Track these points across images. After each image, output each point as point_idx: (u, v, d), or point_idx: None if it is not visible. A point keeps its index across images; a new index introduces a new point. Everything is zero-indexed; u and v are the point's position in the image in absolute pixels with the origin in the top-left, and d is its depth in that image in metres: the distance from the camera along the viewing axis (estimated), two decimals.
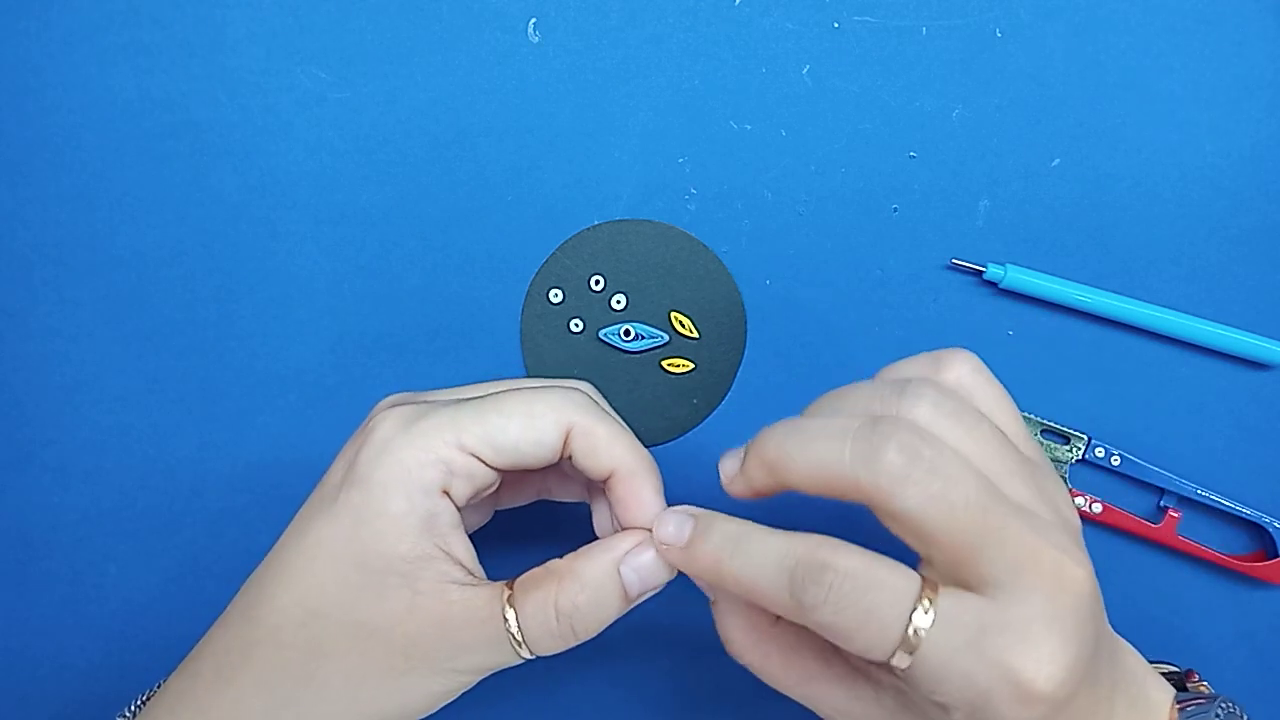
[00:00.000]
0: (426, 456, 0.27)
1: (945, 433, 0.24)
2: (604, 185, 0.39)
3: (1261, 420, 0.39)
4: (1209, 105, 0.38)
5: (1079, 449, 0.39)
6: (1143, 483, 0.39)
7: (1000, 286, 0.38)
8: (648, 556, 0.28)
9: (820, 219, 0.39)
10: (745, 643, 0.28)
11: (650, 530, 0.28)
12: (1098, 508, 0.39)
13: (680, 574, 0.28)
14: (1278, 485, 0.39)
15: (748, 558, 0.25)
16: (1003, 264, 0.38)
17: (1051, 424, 0.39)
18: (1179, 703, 0.29)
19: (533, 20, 0.38)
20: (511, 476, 0.30)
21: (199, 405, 0.39)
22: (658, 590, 0.28)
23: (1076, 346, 0.39)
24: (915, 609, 0.22)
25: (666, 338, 0.39)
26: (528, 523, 0.38)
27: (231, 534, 0.39)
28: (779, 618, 0.28)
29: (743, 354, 0.39)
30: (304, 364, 0.39)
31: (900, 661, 0.23)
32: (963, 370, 0.27)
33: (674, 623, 0.40)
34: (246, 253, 0.39)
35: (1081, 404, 0.39)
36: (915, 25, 0.38)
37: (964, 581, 0.23)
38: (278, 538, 0.39)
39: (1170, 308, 0.38)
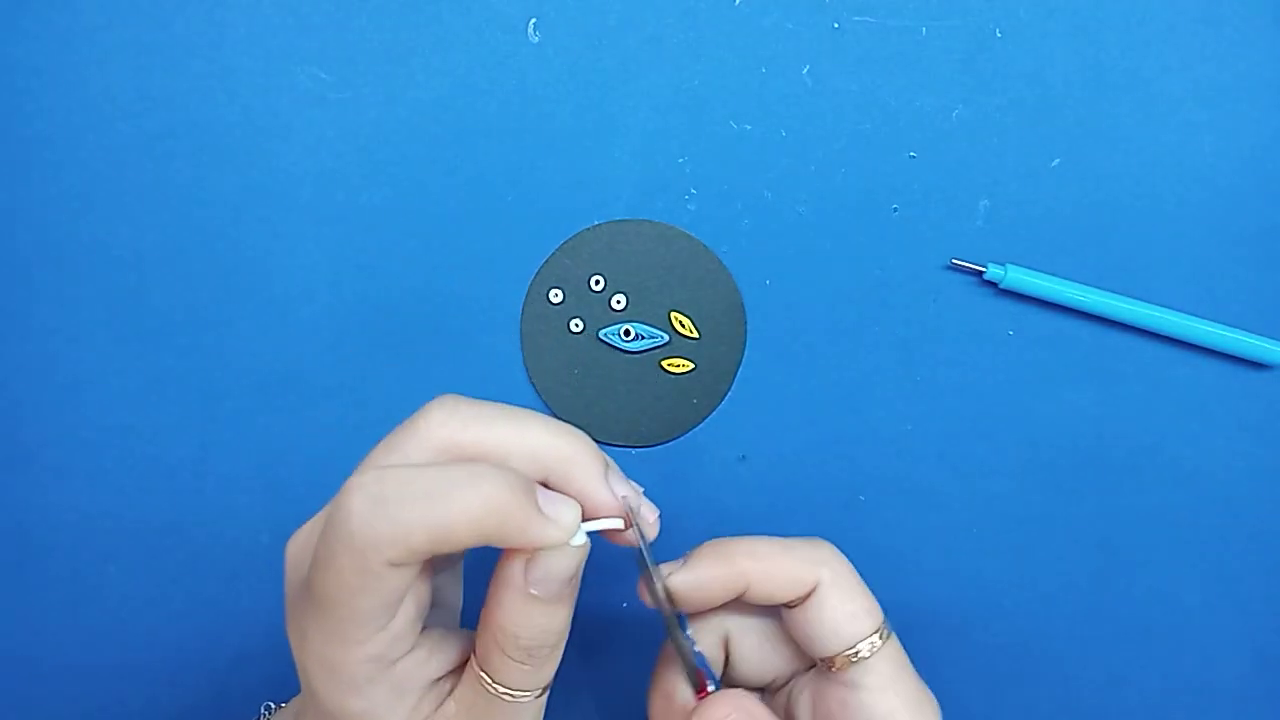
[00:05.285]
0: (346, 670, 0.24)
1: None
2: (604, 185, 0.39)
3: (1261, 420, 0.39)
4: (1209, 105, 0.38)
5: None
6: None
7: (1000, 287, 0.38)
8: (542, 565, 0.25)
9: (820, 219, 0.39)
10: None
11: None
12: None
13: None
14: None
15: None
16: (1003, 264, 0.38)
17: None
18: None
19: (532, 20, 0.38)
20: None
21: (199, 405, 0.39)
22: (582, 559, 0.26)
23: (1076, 346, 0.39)
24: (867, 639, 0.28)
25: (666, 338, 0.39)
26: None
27: (231, 534, 0.39)
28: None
29: (743, 354, 0.39)
30: (304, 364, 0.39)
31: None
32: None
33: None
34: (246, 253, 0.39)
35: (1081, 404, 0.39)
36: (915, 25, 0.38)
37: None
38: (277, 538, 0.39)
39: (1170, 308, 0.38)
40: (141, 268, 0.39)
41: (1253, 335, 0.38)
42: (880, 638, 0.29)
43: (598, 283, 0.39)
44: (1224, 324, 0.38)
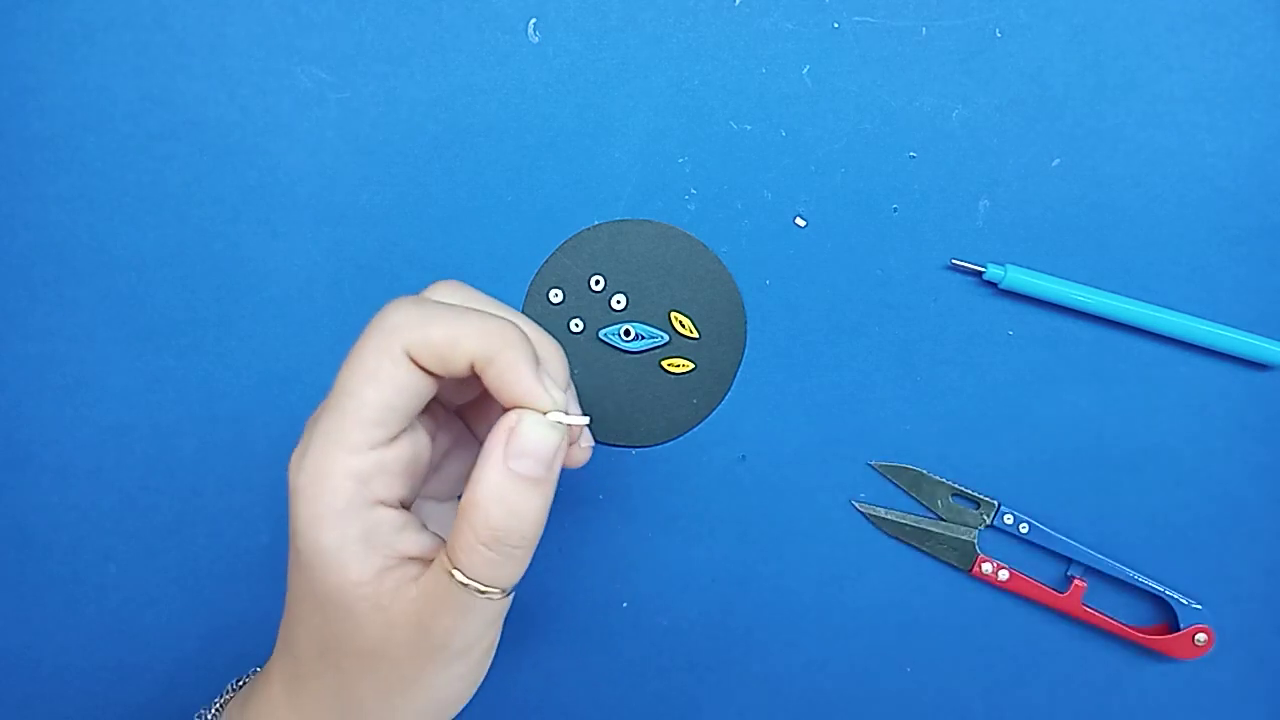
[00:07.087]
0: (330, 483, 0.25)
1: None
2: (604, 185, 0.39)
3: (1261, 420, 0.39)
4: (1209, 105, 0.38)
5: (988, 515, 0.39)
6: (1050, 551, 0.39)
7: (1000, 287, 0.38)
8: (526, 437, 0.26)
9: (820, 219, 0.39)
10: None
11: (521, 408, 0.26)
12: (1004, 575, 0.39)
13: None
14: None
15: None
16: (1003, 264, 0.38)
17: (962, 489, 0.39)
18: None
19: (533, 20, 0.38)
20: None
21: (199, 405, 0.39)
22: (563, 448, 0.26)
23: (1076, 346, 0.39)
24: None
25: (666, 338, 0.39)
26: None
27: (231, 534, 0.39)
28: None
29: (743, 354, 0.39)
30: (304, 364, 0.39)
31: None
32: None
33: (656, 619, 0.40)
34: (246, 253, 0.39)
35: (1081, 404, 0.39)
36: (915, 25, 0.38)
37: None
38: (277, 538, 0.39)
39: (1170, 308, 0.38)
40: (142, 267, 0.39)
41: (1253, 335, 0.38)
42: None
43: (598, 283, 0.39)
44: (1224, 324, 0.38)
